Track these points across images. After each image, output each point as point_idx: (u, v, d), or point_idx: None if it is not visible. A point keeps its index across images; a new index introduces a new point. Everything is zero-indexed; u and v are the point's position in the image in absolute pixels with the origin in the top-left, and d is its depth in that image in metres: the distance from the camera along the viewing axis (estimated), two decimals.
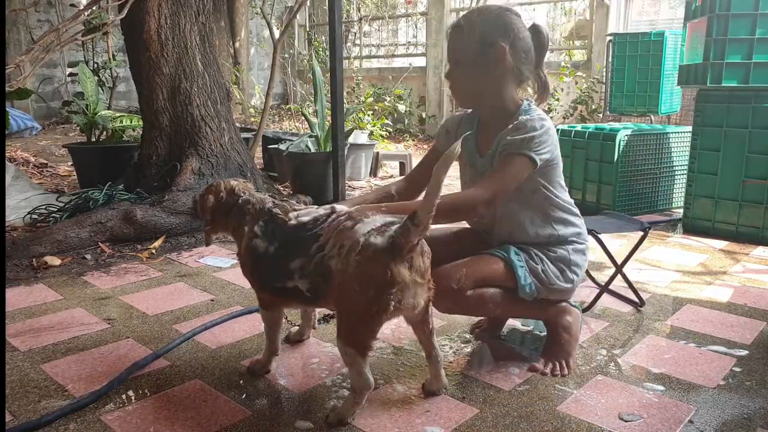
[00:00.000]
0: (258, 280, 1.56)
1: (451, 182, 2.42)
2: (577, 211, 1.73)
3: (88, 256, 2.68)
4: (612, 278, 2.16)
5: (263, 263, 1.50)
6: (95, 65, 4.58)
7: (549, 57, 7.93)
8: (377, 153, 5.03)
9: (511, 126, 1.58)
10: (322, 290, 1.41)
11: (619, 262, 2.12)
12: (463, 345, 1.84)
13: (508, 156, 1.56)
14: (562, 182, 1.70)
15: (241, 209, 1.59)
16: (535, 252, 1.66)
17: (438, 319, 2.03)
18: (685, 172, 3.36)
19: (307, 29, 9.80)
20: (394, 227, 1.31)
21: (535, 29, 1.63)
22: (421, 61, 8.14)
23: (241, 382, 1.61)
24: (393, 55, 9.00)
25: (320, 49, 8.64)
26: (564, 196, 1.70)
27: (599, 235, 2.10)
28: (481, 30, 1.58)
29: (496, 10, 1.62)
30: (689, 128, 3.34)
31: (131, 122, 4.13)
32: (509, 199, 1.62)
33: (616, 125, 3.71)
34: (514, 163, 1.55)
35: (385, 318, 1.34)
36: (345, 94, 5.05)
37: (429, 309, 1.44)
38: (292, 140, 4.51)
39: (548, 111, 6.35)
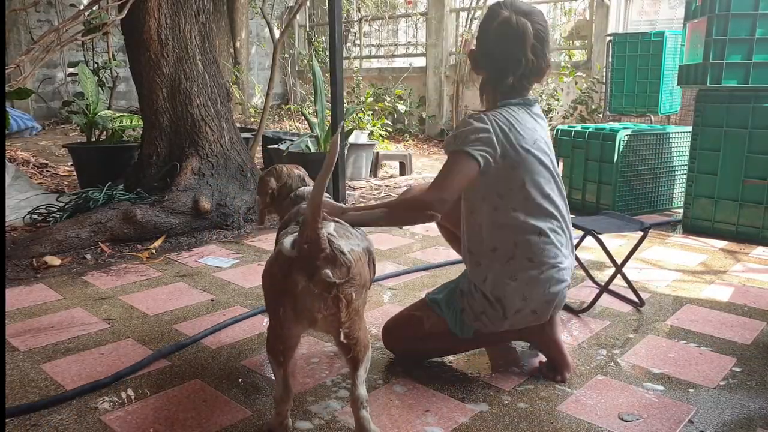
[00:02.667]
0: None
1: None
2: (544, 240, 1.52)
3: (88, 256, 2.68)
4: (612, 278, 2.16)
5: None
6: (95, 65, 4.58)
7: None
8: (377, 153, 5.03)
9: None
10: None
11: (618, 262, 2.12)
12: None
13: (447, 155, 1.53)
14: (533, 197, 1.52)
15: (291, 202, 1.60)
16: (467, 285, 1.60)
17: None
18: (685, 172, 3.36)
19: (307, 29, 9.80)
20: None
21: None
22: (421, 61, 8.14)
23: (241, 382, 1.61)
24: (393, 55, 9.00)
25: (320, 49, 8.64)
26: (528, 216, 1.51)
27: (599, 236, 2.10)
28: None
29: None
30: (689, 128, 3.34)
31: (131, 122, 4.13)
32: (465, 202, 1.59)
33: (616, 125, 3.71)
34: (450, 160, 1.51)
35: (283, 326, 1.27)
36: (345, 94, 5.05)
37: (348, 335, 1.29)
38: (292, 140, 4.51)
39: (548, 111, 6.36)
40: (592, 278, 2.39)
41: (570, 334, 1.92)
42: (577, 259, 2.03)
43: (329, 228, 1.28)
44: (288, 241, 1.25)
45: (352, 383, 1.30)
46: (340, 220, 1.45)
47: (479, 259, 1.58)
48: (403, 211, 1.55)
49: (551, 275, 1.53)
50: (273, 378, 1.63)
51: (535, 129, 1.56)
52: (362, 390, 1.29)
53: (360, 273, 1.30)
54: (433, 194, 1.46)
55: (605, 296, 2.24)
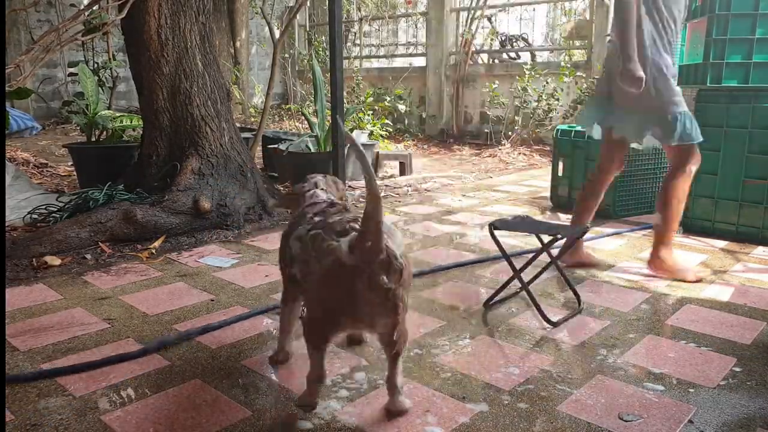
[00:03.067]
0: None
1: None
2: None
3: (88, 256, 2.68)
4: (506, 284, 2.14)
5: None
6: (95, 65, 4.57)
7: (549, 57, 7.95)
8: (377, 153, 5.03)
9: None
10: None
11: (618, 262, 2.12)
12: (463, 345, 1.84)
13: None
14: None
15: (302, 213, 1.59)
16: None
17: (438, 319, 2.03)
18: None
19: (307, 29, 9.80)
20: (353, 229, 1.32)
21: None
22: (421, 61, 8.14)
23: (241, 381, 1.61)
24: (393, 55, 9.00)
25: (320, 49, 8.64)
26: None
27: (495, 232, 2.09)
28: None
29: None
30: None
31: (131, 122, 4.13)
32: None
33: None
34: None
35: (336, 328, 1.37)
36: (345, 94, 5.05)
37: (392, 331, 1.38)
38: (292, 140, 4.51)
39: (548, 111, 6.36)
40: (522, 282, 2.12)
41: (570, 334, 1.92)
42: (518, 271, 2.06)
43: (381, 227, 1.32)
44: (345, 247, 1.28)
45: (391, 373, 1.42)
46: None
47: None
48: None
49: None
50: (274, 378, 1.63)
51: None
52: (400, 379, 1.44)
53: (409, 273, 1.38)
54: None
55: (606, 296, 2.24)
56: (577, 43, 7.13)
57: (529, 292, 2.03)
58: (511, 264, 2.09)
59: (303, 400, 1.45)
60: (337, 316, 1.33)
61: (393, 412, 1.44)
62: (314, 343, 1.38)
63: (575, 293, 2.13)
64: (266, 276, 2.47)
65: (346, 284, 1.28)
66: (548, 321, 1.96)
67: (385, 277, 1.27)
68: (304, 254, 1.42)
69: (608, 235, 3.11)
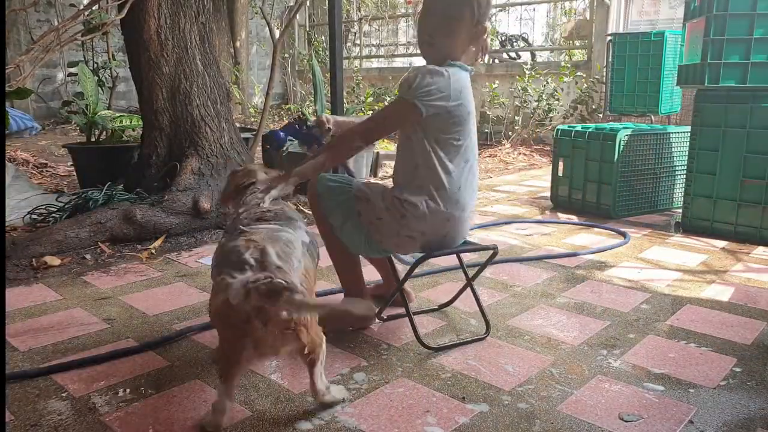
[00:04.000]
0: None
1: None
2: (448, 183, 1.71)
3: (88, 256, 2.68)
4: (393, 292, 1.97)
5: None
6: (95, 65, 4.57)
7: (549, 57, 7.96)
8: (377, 153, 5.03)
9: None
10: None
11: (619, 262, 2.12)
12: (463, 345, 1.84)
13: (394, 99, 1.73)
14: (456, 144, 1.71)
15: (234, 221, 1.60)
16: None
17: (437, 320, 2.03)
18: (685, 172, 3.36)
19: (307, 29, 9.80)
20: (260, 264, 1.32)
21: None
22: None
23: (241, 382, 1.61)
24: (393, 55, 9.00)
25: (320, 49, 8.64)
26: (446, 162, 1.71)
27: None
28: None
29: None
30: (690, 128, 3.34)
31: (131, 122, 4.12)
32: (401, 140, 1.77)
33: (616, 125, 3.71)
34: (393, 105, 1.74)
35: (241, 361, 1.31)
36: (345, 94, 5.05)
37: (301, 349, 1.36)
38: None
39: (548, 111, 6.36)
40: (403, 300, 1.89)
41: (570, 334, 1.92)
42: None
43: (272, 256, 1.32)
44: (236, 289, 1.23)
45: (313, 381, 1.42)
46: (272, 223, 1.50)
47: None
48: (342, 145, 1.77)
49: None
50: (271, 378, 1.63)
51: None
52: (321, 383, 1.44)
53: (309, 287, 1.36)
54: (365, 128, 1.72)
55: (606, 296, 2.24)
56: (578, 42, 7.13)
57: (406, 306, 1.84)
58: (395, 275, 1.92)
59: (207, 423, 1.38)
60: (238, 351, 1.27)
61: (327, 405, 1.47)
62: (223, 371, 1.33)
63: (485, 317, 1.92)
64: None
65: (245, 322, 1.23)
66: (424, 345, 1.78)
67: (285, 313, 1.24)
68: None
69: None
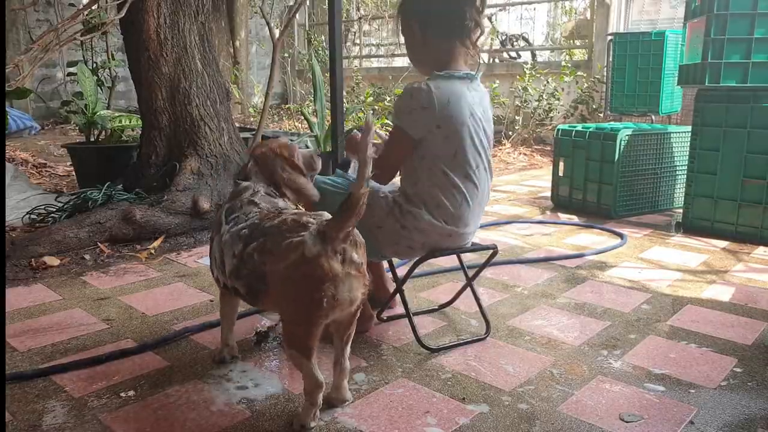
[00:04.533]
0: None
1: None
2: (453, 201, 1.68)
3: (87, 257, 2.68)
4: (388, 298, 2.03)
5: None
6: (94, 65, 4.56)
7: (550, 57, 7.95)
8: None
9: None
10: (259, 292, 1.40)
11: (619, 262, 2.12)
12: (463, 346, 1.83)
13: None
14: (456, 164, 1.67)
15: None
16: None
17: (438, 320, 2.02)
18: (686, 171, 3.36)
19: (307, 29, 9.80)
20: (321, 218, 1.33)
21: None
22: None
23: (241, 382, 1.60)
24: (393, 55, 9.00)
25: (320, 49, 8.64)
26: (451, 178, 1.67)
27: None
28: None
29: None
30: (690, 128, 3.33)
31: (130, 122, 4.12)
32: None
33: (617, 125, 3.70)
34: (390, 136, 1.72)
35: (321, 316, 1.31)
36: (345, 93, 5.04)
37: (357, 311, 1.40)
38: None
39: (549, 111, 6.35)
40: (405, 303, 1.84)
41: (571, 334, 1.92)
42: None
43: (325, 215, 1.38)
44: (311, 239, 1.28)
45: (344, 359, 1.44)
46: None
47: None
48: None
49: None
50: (270, 378, 1.62)
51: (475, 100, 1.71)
52: (348, 364, 1.47)
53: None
54: (378, 167, 1.55)
55: (607, 296, 2.24)
56: (578, 42, 7.13)
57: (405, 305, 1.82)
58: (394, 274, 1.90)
59: (305, 417, 1.38)
60: (321, 306, 1.29)
61: (339, 401, 1.48)
62: (304, 350, 1.33)
63: (485, 317, 1.92)
64: None
65: (324, 270, 1.28)
66: (423, 345, 1.78)
67: (355, 254, 1.32)
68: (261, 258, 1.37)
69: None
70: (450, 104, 1.64)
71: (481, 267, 1.98)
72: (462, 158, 1.68)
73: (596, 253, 2.77)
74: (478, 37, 1.74)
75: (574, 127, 3.75)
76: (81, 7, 3.71)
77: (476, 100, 1.71)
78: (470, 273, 1.98)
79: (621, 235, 3.07)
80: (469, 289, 1.98)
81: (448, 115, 1.64)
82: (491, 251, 1.87)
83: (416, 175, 1.71)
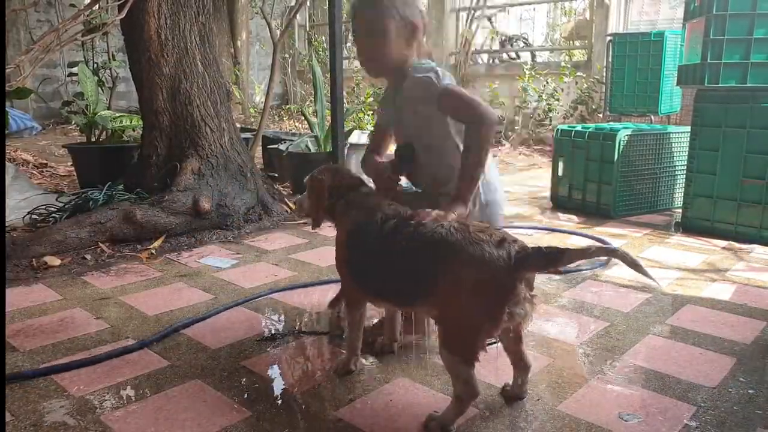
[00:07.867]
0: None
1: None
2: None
3: (88, 257, 2.68)
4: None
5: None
6: (95, 65, 4.57)
7: (549, 57, 7.95)
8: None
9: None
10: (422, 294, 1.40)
11: (619, 262, 2.11)
12: None
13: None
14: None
15: (345, 206, 1.62)
16: None
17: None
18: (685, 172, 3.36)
19: (307, 29, 9.80)
20: (515, 242, 1.34)
21: None
22: None
23: (242, 382, 1.61)
24: None
25: (320, 49, 8.65)
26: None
27: None
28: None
29: None
30: (689, 128, 3.34)
31: (131, 122, 4.13)
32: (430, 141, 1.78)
33: (616, 125, 3.71)
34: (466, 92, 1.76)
35: (495, 329, 1.34)
36: (345, 94, 5.05)
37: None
38: (292, 140, 4.51)
39: (549, 111, 6.36)
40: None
41: (570, 334, 1.92)
42: None
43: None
44: (500, 259, 1.30)
45: (526, 356, 1.50)
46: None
47: None
48: (487, 144, 1.67)
49: None
50: (273, 378, 1.63)
51: None
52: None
53: None
54: (484, 109, 1.65)
55: (606, 296, 2.24)
56: (577, 43, 7.14)
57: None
58: None
59: (449, 421, 1.38)
60: (493, 323, 1.32)
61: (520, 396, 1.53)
62: (469, 355, 1.34)
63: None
64: (266, 276, 2.47)
65: (503, 292, 1.31)
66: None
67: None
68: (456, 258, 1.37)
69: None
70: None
71: None
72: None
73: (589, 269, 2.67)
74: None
75: (574, 127, 3.76)
76: (82, 7, 3.72)
77: None
78: None
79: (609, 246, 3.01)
80: None
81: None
82: None
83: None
